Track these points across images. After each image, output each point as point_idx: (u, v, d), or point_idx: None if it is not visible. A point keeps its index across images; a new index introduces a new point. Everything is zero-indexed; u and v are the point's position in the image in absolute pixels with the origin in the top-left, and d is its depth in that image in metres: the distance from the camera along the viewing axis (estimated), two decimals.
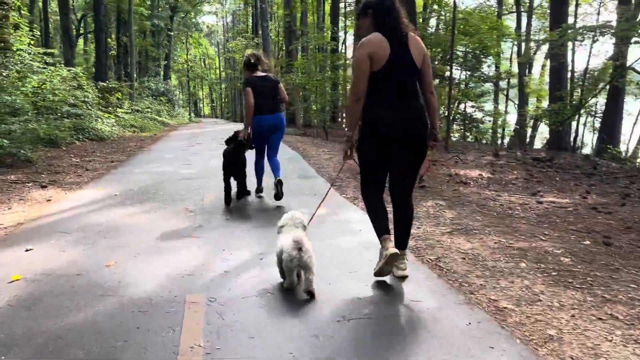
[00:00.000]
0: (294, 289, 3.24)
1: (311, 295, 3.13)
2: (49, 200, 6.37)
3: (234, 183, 6.23)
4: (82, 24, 37.91)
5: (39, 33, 15.00)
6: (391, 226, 3.55)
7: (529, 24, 24.61)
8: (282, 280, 3.36)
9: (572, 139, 16.37)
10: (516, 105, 28.72)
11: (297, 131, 19.78)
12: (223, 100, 78.42)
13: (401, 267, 3.39)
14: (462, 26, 18.05)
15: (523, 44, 23.66)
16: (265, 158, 6.53)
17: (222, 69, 73.14)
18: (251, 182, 6.65)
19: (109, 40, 26.09)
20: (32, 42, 14.79)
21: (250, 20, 49.37)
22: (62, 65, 15.64)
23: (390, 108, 3.24)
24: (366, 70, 3.20)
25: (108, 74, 24.71)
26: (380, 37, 3.20)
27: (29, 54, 14.16)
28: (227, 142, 6.40)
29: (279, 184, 6.01)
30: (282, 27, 48.31)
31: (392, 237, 3.46)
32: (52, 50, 15.84)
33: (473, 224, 5.06)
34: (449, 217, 5.36)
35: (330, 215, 5.44)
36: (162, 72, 41.24)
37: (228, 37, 63.38)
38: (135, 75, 32.56)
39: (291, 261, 3.09)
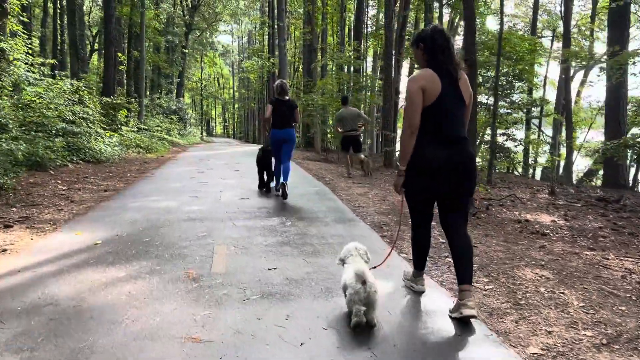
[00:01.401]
0: (361, 323, 3.02)
1: (372, 326, 3.06)
2: (4, 251, 4.69)
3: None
4: (97, 40, 36.93)
5: (37, 42, 13.51)
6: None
7: (565, 46, 23.00)
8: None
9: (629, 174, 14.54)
10: (543, 134, 27.04)
11: (316, 156, 18.12)
12: (236, 120, 77.49)
13: (469, 305, 3.13)
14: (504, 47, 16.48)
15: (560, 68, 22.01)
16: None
17: (235, 89, 72.46)
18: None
19: (119, 54, 24.82)
20: (30, 51, 13.35)
21: (267, 40, 48.43)
22: (63, 77, 14.16)
23: (440, 142, 3.27)
24: (419, 104, 3.23)
25: (117, 89, 23.43)
26: (432, 73, 3.26)
27: (26, 63, 12.73)
28: (261, 150, 8.74)
29: (282, 187, 7.71)
30: (297, 47, 47.47)
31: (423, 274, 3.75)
32: (50, 61, 14.45)
33: (624, 325, 3.29)
34: (578, 306, 3.58)
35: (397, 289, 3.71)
36: (175, 90, 40.06)
37: (243, 57, 62.79)
38: (146, 91, 31.34)
39: (355, 295, 2.99)
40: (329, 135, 23.68)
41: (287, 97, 8.06)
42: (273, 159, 8.42)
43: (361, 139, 12.22)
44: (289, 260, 4.53)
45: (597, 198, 10.47)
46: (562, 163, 26.84)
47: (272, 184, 8.62)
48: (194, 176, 10.67)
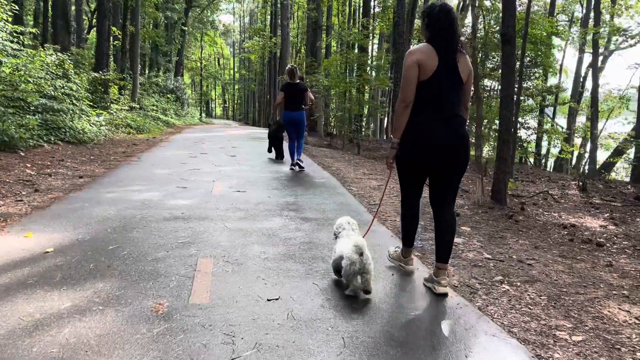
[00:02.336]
0: (357, 295, 3.16)
1: (368, 292, 3.16)
2: None
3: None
4: (94, 16, 35.29)
5: (16, 7, 12.24)
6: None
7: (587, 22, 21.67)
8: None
9: None
10: (557, 123, 25.80)
11: (321, 141, 16.94)
12: (236, 101, 76.03)
13: (442, 283, 3.31)
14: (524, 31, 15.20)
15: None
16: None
17: (236, 70, 70.89)
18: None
19: (114, 28, 23.48)
20: (9, 18, 12.09)
21: (269, 19, 46.81)
22: (45, 48, 12.91)
23: (434, 118, 3.25)
24: (414, 78, 3.21)
25: (111, 65, 22.16)
26: (430, 48, 3.23)
27: (3, 31, 11.49)
28: (272, 124, 10.31)
29: (298, 162, 8.85)
30: (301, 27, 46.00)
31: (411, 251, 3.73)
32: (32, 30, 13.14)
33: None
34: None
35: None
36: (173, 69, 38.63)
37: (244, 37, 61.25)
38: (142, 69, 29.97)
39: (352, 265, 3.07)
40: (332, 119, 22.50)
41: (297, 80, 8.99)
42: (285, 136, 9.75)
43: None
44: (295, 284, 3.41)
45: (635, 197, 9.35)
46: (575, 154, 25.73)
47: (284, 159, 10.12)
48: (185, 161, 9.52)
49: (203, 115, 57.75)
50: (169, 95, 28.07)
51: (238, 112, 72.71)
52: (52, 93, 11.27)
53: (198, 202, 5.95)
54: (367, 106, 20.69)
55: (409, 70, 3.21)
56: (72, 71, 13.40)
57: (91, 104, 14.07)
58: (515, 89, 8.04)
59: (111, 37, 21.85)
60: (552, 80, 25.55)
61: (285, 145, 9.94)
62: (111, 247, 4.06)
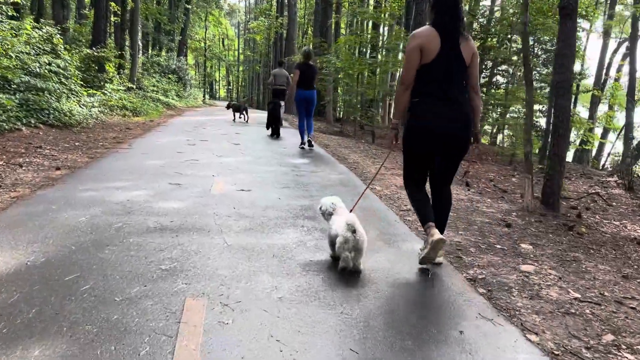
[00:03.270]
0: (349, 268, 3.20)
1: (358, 271, 3.25)
2: None
3: None
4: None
5: None
6: None
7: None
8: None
9: None
10: (577, 113, 24.49)
11: (330, 128, 15.79)
12: (240, 83, 74.58)
13: (439, 254, 3.41)
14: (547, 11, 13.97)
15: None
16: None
17: (241, 51, 69.38)
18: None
19: (112, 4, 22.25)
20: None
21: None
22: (32, 19, 11.75)
23: (436, 101, 3.26)
24: (415, 61, 3.23)
25: (109, 43, 20.99)
26: (432, 31, 3.23)
27: None
28: (269, 103, 11.30)
29: (309, 141, 9.46)
30: (308, 8, 44.51)
31: (434, 224, 3.35)
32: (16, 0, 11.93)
33: None
34: None
35: None
36: (176, 48, 37.28)
37: (250, 18, 59.75)
38: (144, 48, 28.70)
39: (346, 243, 3.13)
40: (341, 105, 21.31)
41: (311, 62, 9.42)
42: (282, 111, 11.01)
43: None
44: (325, 348, 2.34)
45: None
46: (596, 144, 24.53)
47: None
48: (182, 150, 8.43)
49: (207, 97, 56.46)
50: (170, 76, 26.82)
51: (242, 95, 71.26)
52: (38, 70, 10.14)
53: (193, 204, 4.86)
54: (380, 91, 19.50)
55: (411, 53, 3.25)
56: (62, 47, 12.25)
57: (83, 83, 12.95)
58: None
59: (109, 13, 20.62)
60: (576, 67, 24.28)
61: (286, 125, 11.53)
62: (69, 277, 2.99)
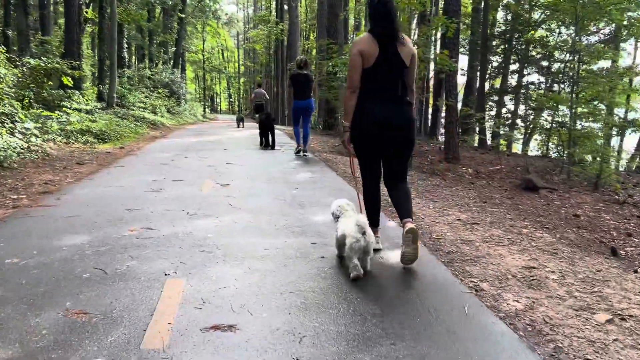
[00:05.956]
0: (360, 276, 3.12)
1: (365, 271, 3.22)
2: None
3: None
4: (90, 6, 30.95)
5: None
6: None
7: None
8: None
9: None
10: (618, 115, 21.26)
11: (340, 145, 12.66)
12: (241, 95, 71.85)
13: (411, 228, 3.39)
14: None
15: None
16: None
17: (241, 62, 66.83)
18: None
19: (88, 11, 19.35)
20: None
21: (274, 4, 42.45)
22: None
23: (379, 103, 3.44)
24: (358, 66, 3.40)
25: (83, 53, 18.08)
26: (370, 38, 3.41)
27: None
28: (261, 115, 11.45)
29: (302, 150, 9.70)
30: (309, 13, 41.73)
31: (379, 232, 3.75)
32: None
33: None
34: None
35: None
36: (171, 61, 34.37)
37: (249, 27, 57.43)
38: (128, 59, 25.73)
39: (357, 243, 3.12)
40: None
41: (305, 71, 9.48)
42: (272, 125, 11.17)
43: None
44: None
45: None
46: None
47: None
48: (136, 205, 5.28)
49: (207, 111, 53.61)
50: (159, 90, 23.84)
51: (244, 107, 68.57)
52: None
53: None
54: None
55: (353, 59, 3.42)
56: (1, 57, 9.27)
57: (35, 103, 9.99)
58: None
59: (82, 20, 17.72)
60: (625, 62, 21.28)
61: (278, 132, 11.41)
62: None
